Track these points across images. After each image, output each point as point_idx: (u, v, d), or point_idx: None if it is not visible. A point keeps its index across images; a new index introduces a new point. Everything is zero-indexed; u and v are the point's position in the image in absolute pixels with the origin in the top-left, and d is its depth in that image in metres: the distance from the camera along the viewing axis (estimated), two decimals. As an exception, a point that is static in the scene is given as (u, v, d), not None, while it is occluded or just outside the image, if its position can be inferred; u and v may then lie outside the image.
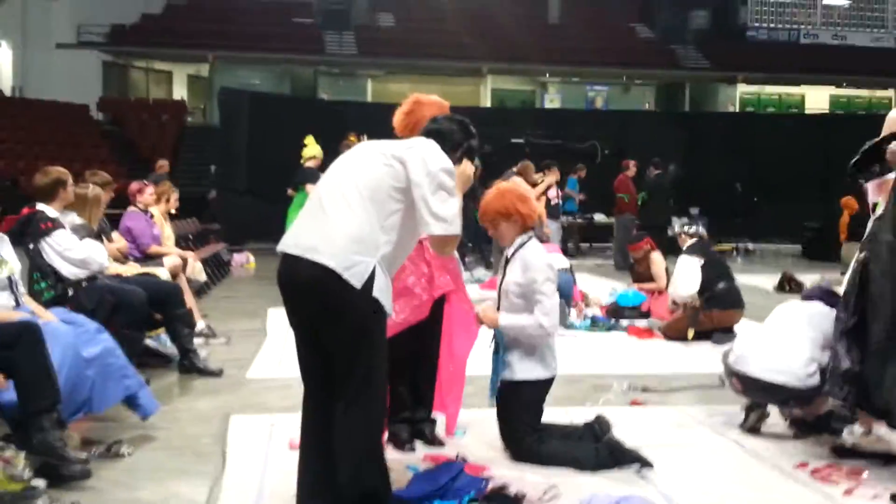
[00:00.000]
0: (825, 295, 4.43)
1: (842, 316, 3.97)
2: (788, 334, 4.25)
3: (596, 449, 3.84)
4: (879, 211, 4.09)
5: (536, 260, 3.92)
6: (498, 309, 4.00)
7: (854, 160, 4.18)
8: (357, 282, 2.88)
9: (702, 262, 6.92)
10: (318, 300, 2.94)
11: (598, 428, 3.98)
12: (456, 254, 4.16)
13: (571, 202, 15.09)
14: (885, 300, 3.76)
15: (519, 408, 3.91)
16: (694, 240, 7.20)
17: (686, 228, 7.34)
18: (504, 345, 3.97)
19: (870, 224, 4.12)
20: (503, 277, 4.04)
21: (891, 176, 4.03)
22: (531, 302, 3.88)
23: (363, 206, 2.95)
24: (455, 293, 4.04)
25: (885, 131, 4.26)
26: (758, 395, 4.30)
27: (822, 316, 4.24)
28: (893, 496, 3.44)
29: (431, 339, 4.01)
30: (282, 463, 3.74)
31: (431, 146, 3.13)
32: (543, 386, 3.98)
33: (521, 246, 3.98)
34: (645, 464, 3.78)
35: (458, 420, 4.10)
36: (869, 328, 3.81)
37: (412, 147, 3.11)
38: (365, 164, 3.06)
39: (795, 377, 4.08)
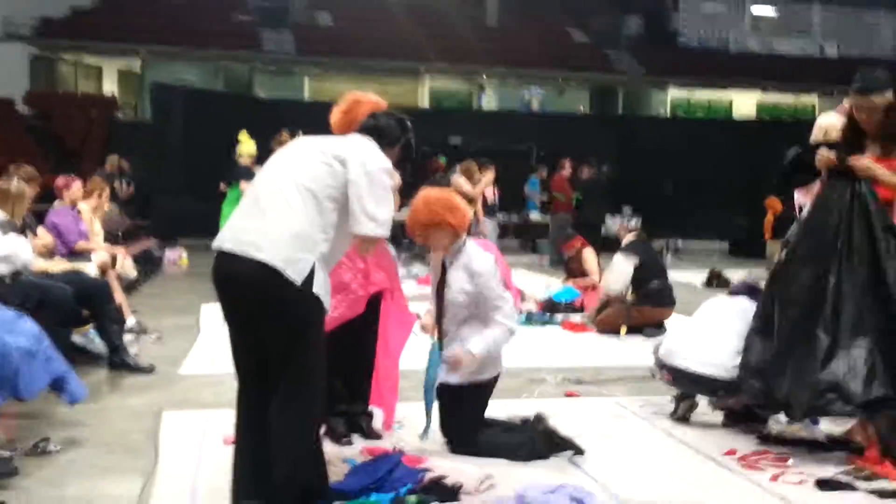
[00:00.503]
0: (750, 291, 4.58)
1: (757, 315, 4.12)
2: (716, 328, 4.38)
3: (532, 438, 3.87)
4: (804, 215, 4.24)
5: (482, 265, 3.83)
6: (439, 317, 3.92)
7: (782, 171, 4.31)
8: (298, 278, 2.87)
9: (637, 261, 7.00)
10: (258, 297, 2.92)
11: (536, 423, 4.02)
12: (393, 250, 4.16)
13: (532, 203, 15.21)
14: (792, 302, 3.94)
15: (473, 405, 3.89)
16: (634, 236, 7.28)
17: (627, 223, 7.42)
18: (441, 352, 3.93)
19: (794, 226, 4.26)
20: (443, 285, 3.92)
21: (816, 183, 4.19)
22: (482, 307, 3.82)
23: (302, 204, 2.94)
24: (390, 290, 4.04)
25: (813, 135, 4.41)
26: (687, 386, 4.41)
27: (747, 311, 4.37)
28: (818, 482, 3.56)
29: (367, 333, 4.00)
30: (215, 459, 3.69)
31: (371, 146, 3.13)
32: (495, 382, 3.99)
33: (458, 251, 3.89)
34: (578, 451, 3.84)
35: (395, 413, 4.10)
36: (777, 327, 3.97)
37: (351, 145, 3.11)
38: (304, 161, 3.05)
39: (723, 368, 4.20)
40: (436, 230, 3.83)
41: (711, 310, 4.58)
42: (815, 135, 4.44)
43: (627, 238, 7.29)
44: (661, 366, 4.51)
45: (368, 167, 3.01)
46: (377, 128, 3.28)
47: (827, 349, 3.78)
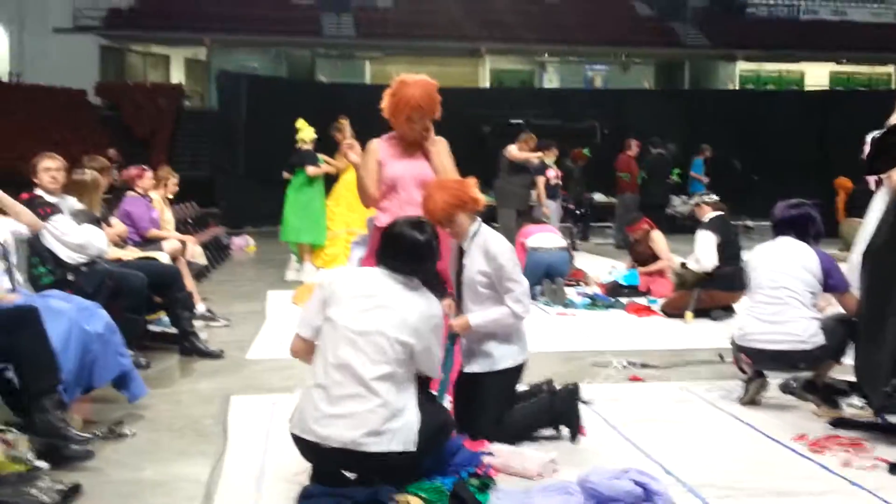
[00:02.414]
0: (795, 218, 4.49)
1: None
2: (782, 299, 4.30)
3: (552, 399, 3.88)
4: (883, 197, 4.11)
5: (498, 246, 3.76)
6: (459, 301, 3.85)
7: (869, 155, 4.18)
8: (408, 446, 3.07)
9: (718, 239, 6.77)
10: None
11: (547, 388, 4.02)
12: None
13: (698, 184, 14.95)
14: (872, 292, 3.93)
15: (494, 397, 3.76)
16: (714, 212, 7.00)
17: (706, 198, 7.05)
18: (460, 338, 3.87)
19: (879, 202, 4.12)
20: (460, 269, 3.84)
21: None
22: (499, 290, 3.75)
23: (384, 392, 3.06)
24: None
25: None
26: (769, 365, 4.38)
27: (803, 261, 4.31)
28: (892, 466, 3.47)
29: None
30: (282, 443, 3.75)
31: (420, 307, 3.16)
32: (520, 370, 3.87)
33: (475, 234, 3.80)
34: (575, 432, 3.85)
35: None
36: (861, 315, 4.00)
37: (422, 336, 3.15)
38: (374, 351, 3.08)
39: (799, 340, 4.19)
40: (462, 209, 3.73)
41: (770, 271, 4.45)
42: None
43: (708, 214, 7.01)
44: (738, 349, 4.49)
45: (421, 346, 3.14)
46: (418, 266, 3.27)
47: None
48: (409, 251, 3.25)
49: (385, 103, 3.95)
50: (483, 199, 3.85)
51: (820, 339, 4.20)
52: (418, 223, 3.34)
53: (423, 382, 3.47)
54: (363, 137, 4.32)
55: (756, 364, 4.41)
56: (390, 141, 4.10)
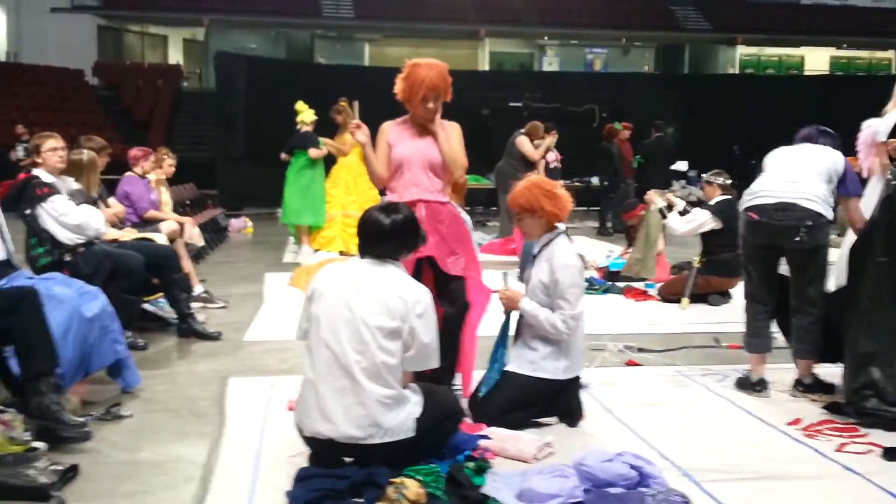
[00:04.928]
0: (821, 132, 4.52)
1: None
2: (797, 180, 4.27)
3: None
4: (874, 189, 4.11)
5: (563, 260, 3.78)
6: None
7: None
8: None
9: (720, 227, 6.66)
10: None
11: None
12: (468, 218, 4.14)
13: None
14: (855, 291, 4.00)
15: (516, 398, 3.78)
16: (723, 195, 6.84)
17: (717, 179, 6.89)
18: (508, 331, 3.92)
19: (870, 192, 4.12)
20: (530, 275, 3.92)
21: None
22: (554, 305, 3.78)
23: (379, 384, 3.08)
24: (441, 258, 4.01)
25: (893, 99, 4.23)
26: (774, 216, 4.22)
27: (822, 156, 4.29)
28: (885, 451, 3.49)
29: (446, 301, 3.90)
30: (280, 424, 3.77)
31: (406, 288, 3.16)
32: (546, 390, 3.83)
33: (548, 243, 3.86)
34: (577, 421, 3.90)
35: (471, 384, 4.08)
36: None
37: (421, 315, 3.14)
38: (357, 342, 3.08)
39: (812, 197, 4.13)
40: (530, 217, 3.84)
41: (787, 162, 4.45)
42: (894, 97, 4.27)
43: (717, 197, 6.87)
44: (746, 210, 4.37)
45: (418, 327, 3.12)
46: (393, 248, 3.26)
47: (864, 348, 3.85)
48: (378, 236, 3.23)
49: (399, 87, 3.94)
50: (564, 212, 3.87)
51: (830, 215, 4.13)
52: (386, 207, 3.30)
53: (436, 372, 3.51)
54: (363, 120, 4.30)
55: (761, 218, 4.24)
56: (402, 124, 4.11)
